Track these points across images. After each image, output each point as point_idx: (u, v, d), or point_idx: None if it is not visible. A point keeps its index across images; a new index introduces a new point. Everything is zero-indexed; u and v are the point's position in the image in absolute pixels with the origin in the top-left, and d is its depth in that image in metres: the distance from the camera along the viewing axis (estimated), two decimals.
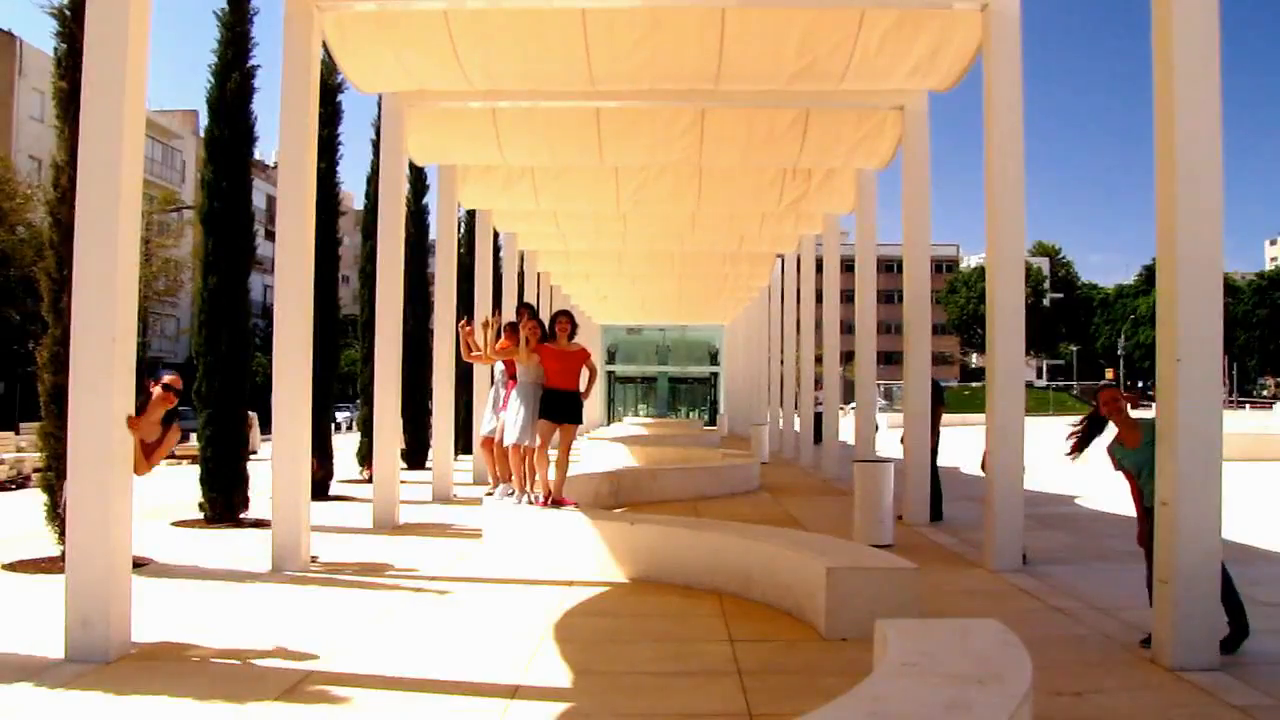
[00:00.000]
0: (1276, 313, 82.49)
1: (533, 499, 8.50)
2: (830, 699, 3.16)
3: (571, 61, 9.87)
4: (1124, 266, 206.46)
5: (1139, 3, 5.59)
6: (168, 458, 6.36)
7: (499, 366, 9.46)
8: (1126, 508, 5.83)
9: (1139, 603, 5.75)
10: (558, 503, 8.34)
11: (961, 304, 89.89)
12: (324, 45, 9.20)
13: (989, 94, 8.26)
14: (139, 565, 6.73)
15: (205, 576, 7.38)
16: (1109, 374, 79.29)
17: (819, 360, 17.73)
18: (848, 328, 14.96)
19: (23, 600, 6.57)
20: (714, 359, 45.30)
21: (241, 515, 9.99)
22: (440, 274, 13.39)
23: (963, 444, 10.69)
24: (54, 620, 5.10)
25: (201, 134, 21.95)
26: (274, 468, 7.85)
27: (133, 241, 5.32)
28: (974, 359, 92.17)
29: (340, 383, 16.73)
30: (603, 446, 19.82)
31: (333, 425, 13.33)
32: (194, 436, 10.42)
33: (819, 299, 18.71)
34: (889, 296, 41.01)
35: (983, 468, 8.39)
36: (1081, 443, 5.79)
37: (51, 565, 7.29)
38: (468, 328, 9.14)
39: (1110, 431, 5.68)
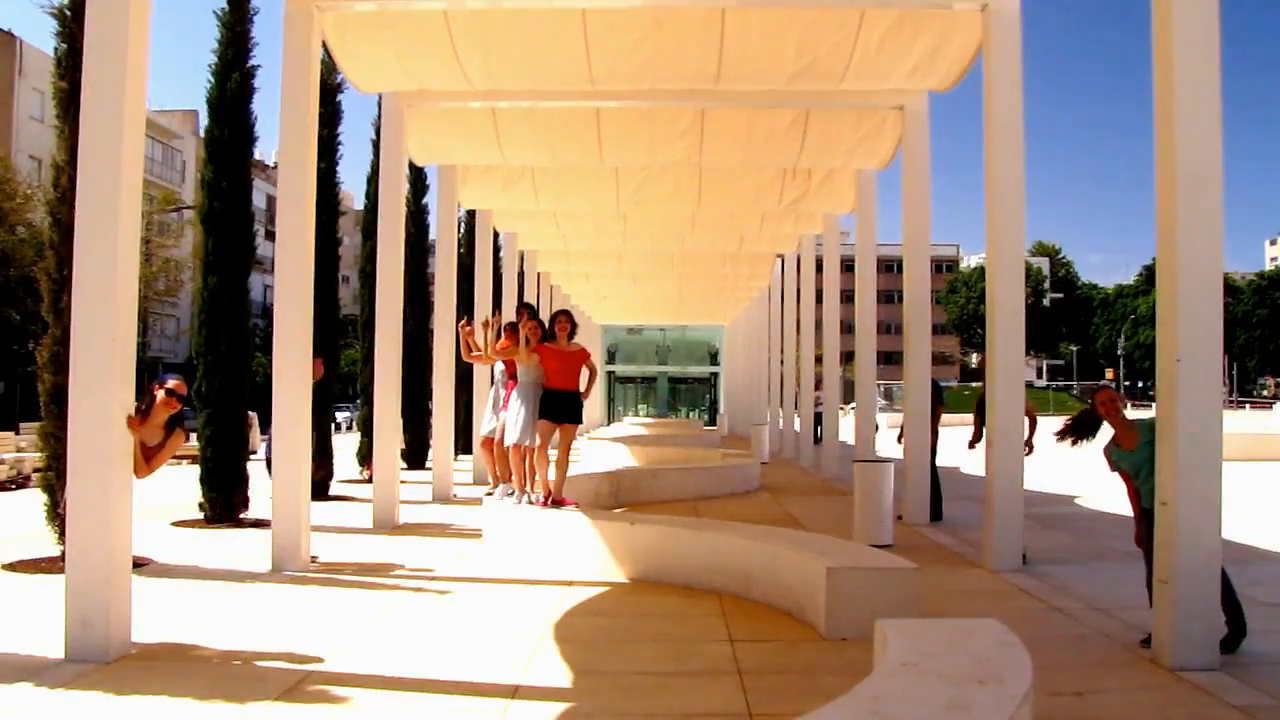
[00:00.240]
0: (1276, 313, 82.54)
1: (533, 499, 8.50)
2: (830, 699, 3.17)
3: (572, 61, 9.88)
4: (1124, 266, 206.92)
5: (1139, 3, 5.59)
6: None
7: (499, 366, 9.47)
8: (1126, 508, 5.83)
9: (1139, 603, 5.74)
10: (558, 503, 8.34)
11: (961, 304, 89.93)
12: (324, 45, 9.20)
13: (989, 94, 8.26)
14: (139, 565, 6.73)
15: (205, 576, 7.37)
16: (1109, 374, 79.36)
17: (819, 360, 17.74)
18: (848, 328, 14.96)
19: (23, 600, 6.57)
20: (714, 359, 45.29)
21: (241, 515, 9.99)
22: (440, 274, 13.38)
23: (962, 444, 10.69)
24: (54, 620, 5.10)
25: (201, 134, 21.93)
26: (274, 468, 7.86)
27: (133, 241, 5.31)
28: (974, 359, 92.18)
29: (340, 383, 16.72)
30: (603, 446, 19.78)
31: (333, 425, 13.32)
32: (194, 436, 10.41)
33: (819, 299, 18.68)
34: (889, 296, 41.11)
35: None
36: (1071, 434, 5.80)
37: (51, 565, 7.28)
38: (468, 328, 9.15)
39: (1106, 433, 5.68)
